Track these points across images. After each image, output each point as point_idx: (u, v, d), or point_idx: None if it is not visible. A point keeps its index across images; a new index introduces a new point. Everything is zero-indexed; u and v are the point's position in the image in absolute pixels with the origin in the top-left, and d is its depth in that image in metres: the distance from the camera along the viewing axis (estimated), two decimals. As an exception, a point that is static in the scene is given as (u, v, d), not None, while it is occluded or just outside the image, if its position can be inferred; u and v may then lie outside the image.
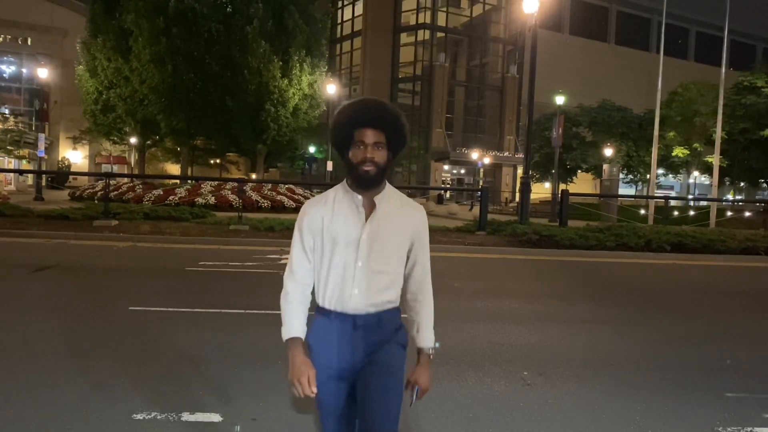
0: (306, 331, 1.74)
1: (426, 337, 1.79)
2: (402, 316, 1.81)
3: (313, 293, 1.77)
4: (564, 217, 13.74)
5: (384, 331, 1.72)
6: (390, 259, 1.71)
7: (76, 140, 43.46)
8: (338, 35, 48.48)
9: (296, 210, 20.22)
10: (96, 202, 17.72)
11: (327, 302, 1.71)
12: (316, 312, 1.75)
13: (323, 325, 1.72)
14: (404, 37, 45.78)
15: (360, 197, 1.70)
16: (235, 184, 20.58)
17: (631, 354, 4.48)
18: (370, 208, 1.70)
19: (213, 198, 20.34)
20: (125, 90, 26.94)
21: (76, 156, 47.35)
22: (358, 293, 1.67)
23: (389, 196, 1.74)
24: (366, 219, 1.69)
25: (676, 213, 24.13)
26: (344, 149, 1.71)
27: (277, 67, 24.86)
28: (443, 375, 3.75)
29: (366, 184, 1.68)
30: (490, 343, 4.56)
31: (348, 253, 1.67)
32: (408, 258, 1.78)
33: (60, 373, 3.57)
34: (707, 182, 40.76)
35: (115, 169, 43.87)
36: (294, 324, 1.72)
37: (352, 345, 1.70)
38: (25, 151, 39.87)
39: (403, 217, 1.74)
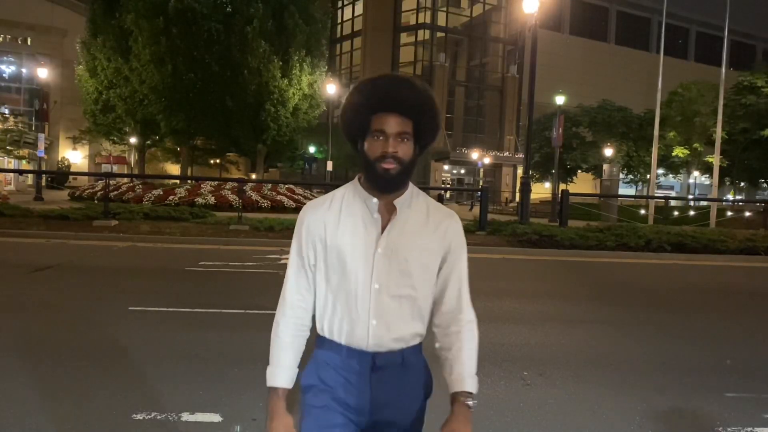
0: (295, 376, 1.38)
1: (463, 379, 1.39)
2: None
3: (314, 318, 1.41)
4: (564, 217, 13.74)
5: (410, 373, 1.38)
6: (415, 280, 1.34)
7: (75, 140, 43.48)
8: (338, 35, 48.49)
9: (296, 210, 20.21)
10: (96, 202, 17.72)
11: (336, 335, 1.34)
12: (320, 345, 1.38)
13: (332, 363, 1.34)
14: (404, 37, 45.79)
15: (376, 200, 1.34)
16: (235, 184, 20.58)
17: (631, 354, 4.48)
18: (388, 214, 1.35)
19: (213, 198, 20.33)
20: (125, 90, 26.94)
21: (75, 156, 47.38)
22: (377, 325, 1.31)
23: (413, 200, 1.38)
24: (383, 228, 1.33)
25: (676, 213, 24.13)
26: (358, 139, 1.35)
27: (277, 67, 24.86)
28: (443, 375, 3.74)
29: (385, 185, 1.31)
30: (490, 343, 4.56)
31: (360, 273, 1.31)
32: (437, 278, 1.39)
33: (60, 373, 3.56)
34: (707, 182, 40.77)
35: (115, 169, 43.88)
36: (280, 370, 1.36)
37: (370, 392, 1.33)
38: (24, 151, 39.89)
39: (431, 225, 1.37)
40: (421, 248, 1.35)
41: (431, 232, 1.37)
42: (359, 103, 1.31)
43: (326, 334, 1.36)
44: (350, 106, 1.33)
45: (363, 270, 1.31)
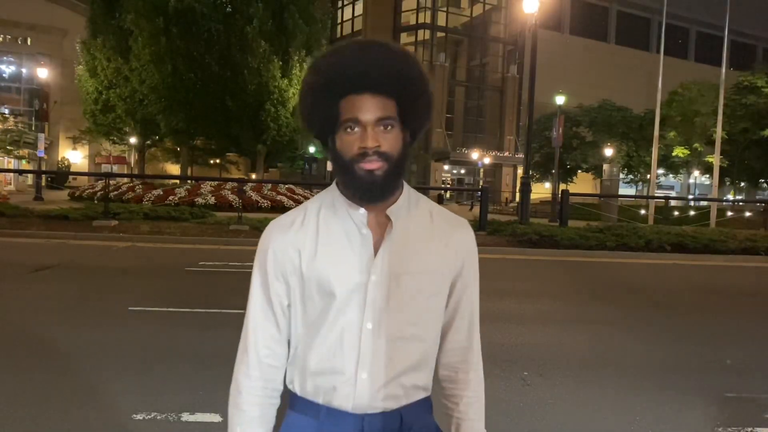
0: None
1: None
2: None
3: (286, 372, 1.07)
4: (564, 217, 13.73)
5: None
6: (421, 315, 1.02)
7: (75, 140, 43.48)
8: (338, 35, 48.49)
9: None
10: (96, 202, 17.71)
11: (311, 392, 1.01)
12: (292, 406, 1.05)
13: (304, 429, 1.01)
14: (404, 37, 45.76)
15: (363, 211, 1.00)
16: (235, 184, 20.57)
17: (631, 354, 4.48)
18: (380, 228, 1.01)
19: (213, 198, 20.33)
20: (125, 90, 26.95)
21: (75, 156, 47.38)
22: (368, 378, 0.98)
23: (412, 207, 1.05)
24: (376, 248, 1.00)
25: (676, 213, 24.12)
26: (326, 132, 1.01)
27: (277, 67, 24.86)
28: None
29: (370, 193, 0.97)
30: (490, 343, 4.56)
31: (348, 310, 0.99)
32: (446, 306, 1.08)
33: (59, 374, 3.56)
34: (707, 182, 40.76)
35: (115, 169, 43.87)
36: None
37: None
38: (24, 151, 39.88)
39: (439, 239, 1.05)
40: (429, 271, 1.02)
41: (440, 248, 1.04)
42: (319, 85, 0.97)
43: (298, 391, 1.03)
44: (308, 90, 0.99)
45: (352, 305, 0.98)
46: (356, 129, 0.96)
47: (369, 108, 0.95)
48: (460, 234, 1.08)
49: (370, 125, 0.95)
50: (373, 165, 0.95)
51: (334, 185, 1.05)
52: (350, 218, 1.01)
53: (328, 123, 0.99)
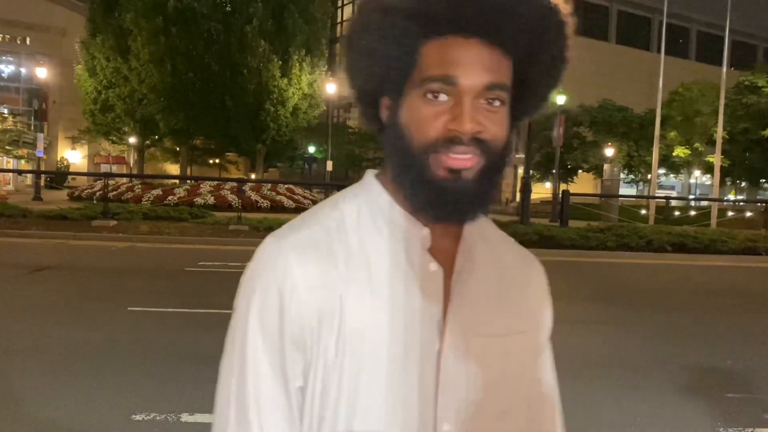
0: None
1: None
2: None
3: None
4: (565, 217, 13.72)
5: None
6: (516, 392, 0.68)
7: (75, 140, 43.46)
8: (338, 34, 48.48)
9: (296, 211, 20.20)
10: (95, 202, 17.70)
11: None
12: None
13: None
14: (404, 37, 45.76)
15: (426, 232, 0.63)
16: (235, 184, 20.56)
17: (632, 354, 4.46)
18: (443, 256, 0.64)
19: (212, 198, 20.32)
20: (124, 89, 26.94)
21: (75, 156, 47.36)
22: None
23: (486, 223, 0.71)
24: (448, 291, 0.64)
25: (677, 213, 24.12)
26: (384, 96, 0.64)
27: (277, 66, 24.86)
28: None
29: (454, 207, 0.61)
30: (491, 343, 4.54)
31: (410, 387, 0.60)
32: None
33: (59, 374, 3.55)
34: (708, 182, 40.77)
35: (114, 169, 43.86)
36: None
37: None
38: (23, 151, 39.89)
39: (519, 280, 0.73)
40: (522, 321, 0.71)
41: (527, 291, 0.74)
42: (395, 6, 0.58)
43: None
44: (372, 13, 0.61)
45: (416, 382, 0.60)
46: (445, 97, 0.58)
47: (476, 64, 0.58)
48: (538, 271, 0.77)
49: (471, 94, 0.58)
50: (465, 161, 0.58)
51: (373, 180, 0.67)
52: (408, 242, 0.62)
53: (396, 76, 0.60)
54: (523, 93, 0.63)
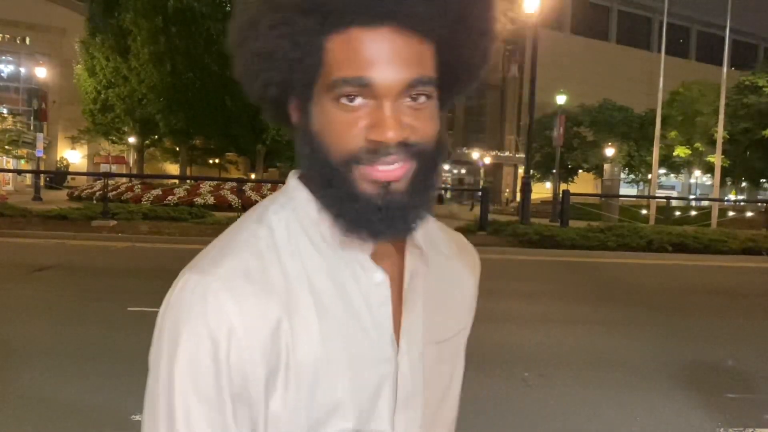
0: None
1: None
2: None
3: None
4: (565, 217, 13.71)
5: None
6: (455, 400, 0.68)
7: (74, 140, 43.45)
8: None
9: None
10: (94, 202, 17.70)
11: None
12: None
13: None
14: (404, 37, 45.80)
15: (368, 248, 0.56)
16: (234, 184, 20.57)
17: (632, 355, 4.45)
18: (387, 262, 0.58)
19: (212, 198, 20.31)
20: (124, 89, 26.95)
21: (74, 156, 47.37)
22: None
23: (432, 227, 0.67)
24: (395, 304, 0.58)
25: (677, 213, 24.12)
26: (289, 93, 0.55)
27: (277, 66, 24.90)
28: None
29: (385, 224, 0.53)
30: (491, 343, 4.53)
31: (368, 412, 0.56)
32: None
33: (59, 374, 3.54)
34: (709, 182, 40.77)
35: (114, 168, 43.84)
36: None
37: None
38: (23, 151, 39.91)
39: (460, 275, 0.70)
40: (464, 328, 0.69)
41: (463, 289, 0.69)
42: (288, 1, 0.51)
43: None
44: (264, 14, 0.52)
45: (369, 415, 0.56)
46: (362, 100, 0.51)
47: (392, 60, 0.50)
48: (475, 260, 0.74)
49: (391, 96, 0.50)
50: (395, 172, 0.51)
51: (298, 186, 0.58)
52: (348, 252, 0.56)
53: (300, 79, 0.53)
54: (450, 78, 0.56)
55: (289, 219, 0.57)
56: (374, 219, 0.52)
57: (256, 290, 0.52)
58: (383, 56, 0.49)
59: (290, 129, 0.59)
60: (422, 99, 0.52)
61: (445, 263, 0.66)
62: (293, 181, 0.59)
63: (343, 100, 0.51)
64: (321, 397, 0.53)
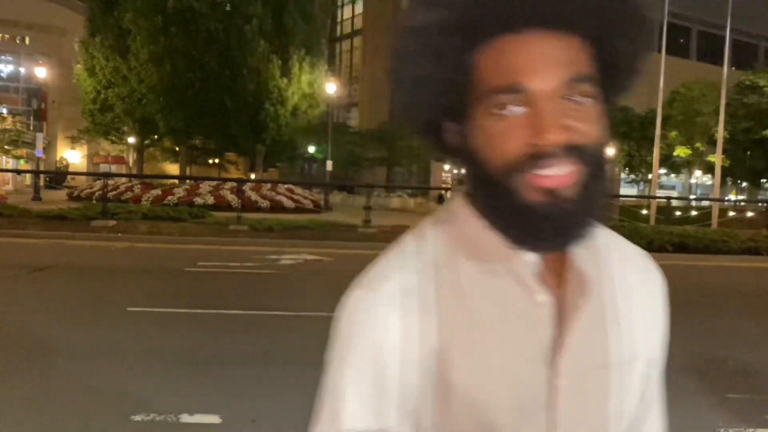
0: None
1: None
2: None
3: None
4: (564, 216, 13.71)
5: None
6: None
7: (74, 140, 43.40)
8: (338, 34, 48.47)
9: (296, 211, 20.22)
10: (94, 202, 17.68)
11: None
12: None
13: None
14: (405, 36, 45.75)
15: (533, 258, 0.54)
16: (234, 184, 20.56)
17: (633, 355, 4.45)
18: (554, 282, 0.56)
19: (212, 198, 20.30)
20: (123, 89, 26.94)
21: (74, 156, 47.35)
22: None
23: (606, 241, 0.62)
24: (560, 326, 0.55)
25: (678, 213, 24.12)
26: (445, 119, 0.56)
27: (277, 66, 24.86)
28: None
29: (555, 233, 0.51)
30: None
31: None
32: None
33: (58, 374, 3.53)
34: (709, 182, 40.77)
35: (114, 168, 43.86)
36: None
37: None
38: (22, 151, 39.89)
39: (639, 300, 0.64)
40: (639, 356, 0.62)
41: (647, 306, 0.66)
42: (438, 24, 0.51)
43: None
44: (410, 41, 0.54)
45: None
46: (516, 108, 0.49)
47: (544, 62, 0.49)
48: (658, 278, 0.70)
49: (547, 98, 0.49)
50: (560, 178, 0.49)
51: (461, 203, 0.58)
52: (510, 273, 0.54)
53: (448, 100, 0.53)
54: (610, 73, 0.54)
55: (449, 234, 0.57)
56: (543, 229, 0.50)
57: (421, 309, 0.54)
58: (534, 60, 0.49)
59: (453, 157, 0.59)
60: (583, 99, 0.50)
61: (620, 278, 0.61)
62: (457, 199, 0.59)
63: (498, 110, 0.50)
64: (475, 420, 0.53)
